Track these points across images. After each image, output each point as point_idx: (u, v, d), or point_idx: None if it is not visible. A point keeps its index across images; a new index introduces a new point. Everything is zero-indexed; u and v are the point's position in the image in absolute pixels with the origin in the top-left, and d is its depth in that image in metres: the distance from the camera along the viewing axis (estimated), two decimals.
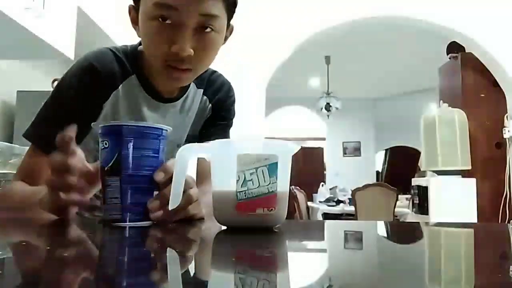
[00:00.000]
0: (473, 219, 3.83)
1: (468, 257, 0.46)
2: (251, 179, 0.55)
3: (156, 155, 0.64)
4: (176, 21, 0.74)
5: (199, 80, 0.96)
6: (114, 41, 3.09)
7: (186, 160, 0.61)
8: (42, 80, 3.03)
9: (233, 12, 0.83)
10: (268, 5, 3.91)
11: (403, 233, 0.69)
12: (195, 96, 0.98)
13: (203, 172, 1.02)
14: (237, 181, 0.55)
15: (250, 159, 0.55)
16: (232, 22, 0.85)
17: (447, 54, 4.67)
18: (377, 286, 0.31)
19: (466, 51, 4.39)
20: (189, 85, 0.95)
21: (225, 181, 0.57)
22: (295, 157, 0.60)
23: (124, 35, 3.27)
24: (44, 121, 0.88)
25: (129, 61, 0.88)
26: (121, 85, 0.87)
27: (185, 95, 0.94)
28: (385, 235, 0.68)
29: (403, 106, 8.08)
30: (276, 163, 0.56)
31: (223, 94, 1.03)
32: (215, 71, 1.03)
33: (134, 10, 0.81)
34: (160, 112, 0.91)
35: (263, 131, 3.88)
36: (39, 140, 0.87)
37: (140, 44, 0.88)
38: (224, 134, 1.06)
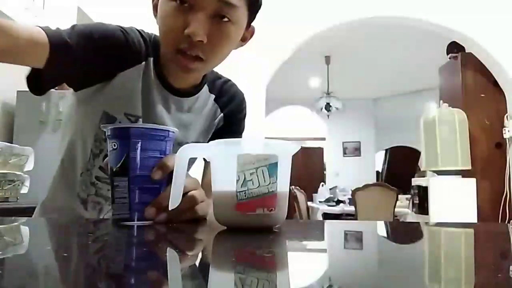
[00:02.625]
0: (473, 219, 3.83)
1: (468, 257, 0.46)
2: (251, 179, 0.55)
3: (162, 156, 0.65)
4: (194, 4, 0.73)
5: (212, 85, 0.95)
6: None
7: (185, 160, 0.61)
8: None
9: (256, 11, 0.82)
10: (268, 5, 3.90)
11: (403, 233, 0.69)
12: (207, 101, 0.95)
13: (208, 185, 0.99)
14: (237, 181, 0.55)
15: (250, 159, 0.55)
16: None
17: (447, 54, 4.67)
18: (377, 286, 0.31)
19: (466, 51, 4.39)
20: (202, 86, 0.92)
21: (225, 181, 0.57)
22: (295, 157, 0.60)
23: None
24: (69, 40, 0.75)
25: (151, 43, 0.86)
26: (139, 65, 0.83)
27: (196, 95, 0.91)
28: (385, 235, 0.68)
29: (403, 106, 8.07)
30: (276, 163, 0.56)
31: (236, 106, 1.00)
32: (229, 80, 1.01)
33: None
34: (167, 103, 0.88)
35: (263, 131, 3.88)
36: (56, 44, 0.73)
37: None
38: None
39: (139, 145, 0.62)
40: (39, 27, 0.73)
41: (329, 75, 6.70)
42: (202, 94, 0.93)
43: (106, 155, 0.72)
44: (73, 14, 2.52)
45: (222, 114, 0.97)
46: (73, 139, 0.88)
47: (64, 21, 2.42)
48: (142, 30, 0.87)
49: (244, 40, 0.86)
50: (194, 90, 0.90)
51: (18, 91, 2.53)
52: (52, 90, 0.93)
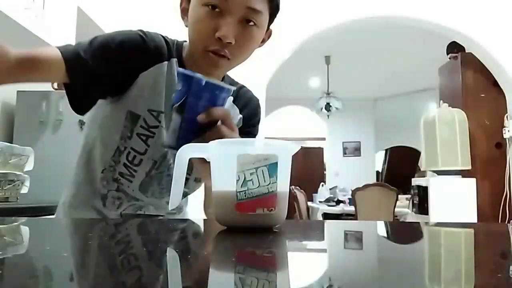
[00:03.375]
0: (473, 219, 3.83)
1: (468, 257, 0.46)
2: (251, 179, 0.55)
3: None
4: (225, 9, 0.81)
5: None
6: None
7: (185, 160, 0.61)
8: None
9: (275, 15, 0.90)
10: None
11: (403, 233, 0.69)
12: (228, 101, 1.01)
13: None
14: (237, 181, 0.55)
15: (250, 159, 0.55)
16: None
17: (447, 54, 4.67)
18: (377, 286, 0.31)
19: (466, 51, 4.39)
20: None
21: (225, 181, 0.57)
22: (295, 157, 0.60)
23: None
24: (85, 54, 0.82)
25: (174, 47, 0.93)
26: (161, 64, 0.89)
27: None
28: (385, 235, 0.68)
29: (403, 106, 8.07)
30: (276, 163, 0.56)
31: (252, 109, 1.06)
32: (243, 86, 1.07)
33: (186, 2, 0.88)
34: None
35: (263, 131, 3.88)
36: (70, 62, 0.81)
37: (184, 41, 0.95)
38: None
39: (196, 93, 0.70)
40: (58, 47, 0.82)
41: (329, 75, 6.70)
42: None
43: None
44: (73, 14, 2.52)
45: (241, 116, 1.03)
46: (96, 138, 0.94)
47: (64, 21, 2.42)
48: (166, 36, 0.94)
49: (263, 41, 0.93)
50: None
51: (18, 91, 2.53)
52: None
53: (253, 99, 1.07)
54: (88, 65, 0.81)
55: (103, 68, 0.83)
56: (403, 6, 3.93)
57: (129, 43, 0.85)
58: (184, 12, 0.89)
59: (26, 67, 0.78)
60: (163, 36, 0.93)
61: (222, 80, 0.98)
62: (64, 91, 0.85)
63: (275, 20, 0.93)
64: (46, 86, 2.90)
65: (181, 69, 0.73)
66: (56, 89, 2.80)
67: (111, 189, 0.94)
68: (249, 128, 1.05)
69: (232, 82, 1.04)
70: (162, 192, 0.97)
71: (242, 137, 1.01)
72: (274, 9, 0.88)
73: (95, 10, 2.74)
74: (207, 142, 0.64)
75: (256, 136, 1.09)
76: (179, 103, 0.71)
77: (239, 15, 0.81)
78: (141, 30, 0.89)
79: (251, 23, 0.83)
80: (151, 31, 0.91)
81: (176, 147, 0.66)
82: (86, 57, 0.81)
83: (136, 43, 0.86)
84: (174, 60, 0.91)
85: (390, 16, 3.99)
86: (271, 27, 0.92)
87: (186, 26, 0.88)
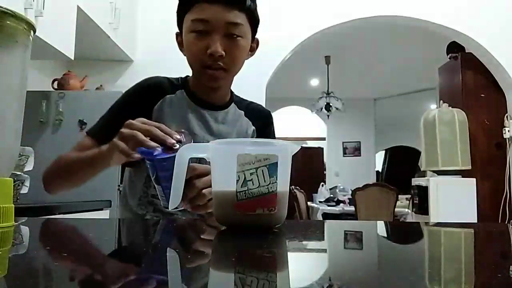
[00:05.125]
0: (473, 219, 3.83)
1: (468, 257, 0.46)
2: (251, 179, 0.55)
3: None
4: (209, 30, 0.94)
5: (239, 104, 1.13)
6: (114, 41, 3.09)
7: (185, 160, 0.61)
8: (42, 80, 3.02)
9: (256, 25, 1.02)
10: (268, 5, 3.90)
11: (403, 233, 0.69)
12: (239, 116, 1.11)
13: None
14: (237, 181, 0.55)
15: (250, 159, 0.55)
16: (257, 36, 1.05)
17: (447, 54, 4.66)
18: (377, 286, 0.31)
19: (466, 51, 4.39)
20: (231, 102, 1.10)
21: (225, 181, 0.57)
22: (295, 157, 0.60)
23: (124, 35, 3.27)
24: (102, 120, 1.04)
25: (179, 81, 1.08)
26: (168, 96, 1.03)
27: (227, 109, 1.09)
28: (385, 235, 0.67)
29: (403, 106, 8.07)
30: (276, 163, 0.56)
31: (263, 120, 1.16)
32: (252, 102, 1.18)
33: (180, 36, 1.02)
34: (203, 118, 1.05)
35: None
36: (94, 133, 1.02)
37: (187, 76, 1.09)
38: None
39: (161, 166, 0.72)
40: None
41: (329, 75, 6.69)
42: (231, 109, 1.10)
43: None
44: (73, 14, 2.52)
45: (254, 128, 1.12)
46: (131, 170, 1.07)
47: (64, 21, 2.42)
48: (171, 77, 1.09)
49: (252, 50, 1.06)
50: (224, 105, 1.09)
51: None
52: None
53: (263, 111, 1.19)
54: (106, 119, 1.02)
55: (119, 115, 0.92)
56: (403, 6, 3.93)
57: (133, 87, 1.05)
58: (181, 44, 1.02)
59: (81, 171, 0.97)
60: (167, 77, 1.08)
61: (230, 99, 1.10)
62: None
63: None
64: (46, 86, 2.91)
65: (142, 149, 0.75)
66: (56, 89, 2.80)
67: (149, 211, 1.02)
68: (264, 137, 1.12)
69: (242, 99, 1.16)
70: None
71: None
72: (253, 20, 1.00)
73: (95, 10, 2.74)
74: (190, 197, 0.71)
75: None
76: (153, 176, 0.75)
77: (222, 31, 0.94)
78: (148, 78, 1.06)
79: (235, 36, 0.95)
80: (155, 76, 1.07)
81: (173, 207, 0.69)
82: (104, 117, 1.03)
83: (138, 85, 1.05)
84: (182, 91, 1.05)
85: (390, 16, 3.99)
86: (260, 36, 1.05)
87: (184, 55, 1.01)
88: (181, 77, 1.10)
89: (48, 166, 1.02)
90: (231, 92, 1.14)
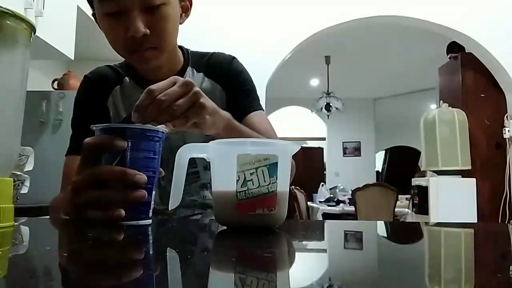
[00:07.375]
0: (473, 219, 3.83)
1: (468, 257, 0.46)
2: (251, 179, 0.55)
3: (155, 156, 0.64)
4: (122, 9, 0.80)
5: (196, 64, 0.98)
6: None
7: (185, 160, 0.61)
8: (42, 80, 3.02)
9: None
10: (268, 5, 3.90)
11: (403, 233, 0.69)
12: (198, 80, 0.96)
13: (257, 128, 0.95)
14: (237, 181, 0.55)
15: (250, 159, 0.55)
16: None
17: (447, 54, 4.66)
18: (377, 286, 0.31)
19: (466, 51, 4.39)
20: (184, 70, 0.96)
21: (225, 181, 0.57)
22: (295, 157, 0.60)
23: None
24: (72, 137, 0.99)
25: (123, 68, 0.99)
26: (118, 87, 0.96)
27: None
28: (385, 235, 0.68)
29: (403, 106, 8.07)
30: (276, 163, 0.56)
31: (225, 69, 0.99)
32: (213, 52, 1.02)
33: (92, 8, 0.89)
34: None
35: None
36: (72, 150, 0.97)
37: None
38: (249, 100, 1.00)
39: (132, 145, 0.61)
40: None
41: (329, 75, 6.69)
42: (187, 76, 0.96)
43: None
44: (73, 14, 2.52)
45: (220, 87, 0.98)
46: None
47: (64, 21, 2.42)
48: (113, 64, 1.01)
49: (186, 11, 0.90)
50: (178, 75, 0.93)
51: None
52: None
53: (225, 58, 1.01)
54: (75, 135, 0.97)
55: (82, 126, 0.89)
56: (403, 6, 3.93)
57: (77, 94, 0.99)
58: (95, 17, 0.90)
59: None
60: (108, 65, 1.00)
61: (184, 63, 0.97)
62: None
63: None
64: (46, 86, 2.90)
65: (99, 125, 0.63)
66: (56, 89, 2.80)
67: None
68: (232, 85, 0.99)
69: (200, 56, 1.01)
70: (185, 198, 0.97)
71: (240, 98, 0.98)
72: None
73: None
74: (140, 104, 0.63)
75: (252, 85, 1.02)
76: (115, 163, 0.60)
77: (138, 6, 0.79)
78: (89, 72, 1.00)
79: (156, 5, 0.80)
80: (95, 67, 1.01)
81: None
82: (72, 135, 0.98)
83: (81, 87, 0.99)
84: (126, 79, 0.97)
85: (390, 16, 4.00)
86: None
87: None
88: (124, 61, 0.98)
89: (52, 202, 0.90)
90: (184, 54, 0.98)
